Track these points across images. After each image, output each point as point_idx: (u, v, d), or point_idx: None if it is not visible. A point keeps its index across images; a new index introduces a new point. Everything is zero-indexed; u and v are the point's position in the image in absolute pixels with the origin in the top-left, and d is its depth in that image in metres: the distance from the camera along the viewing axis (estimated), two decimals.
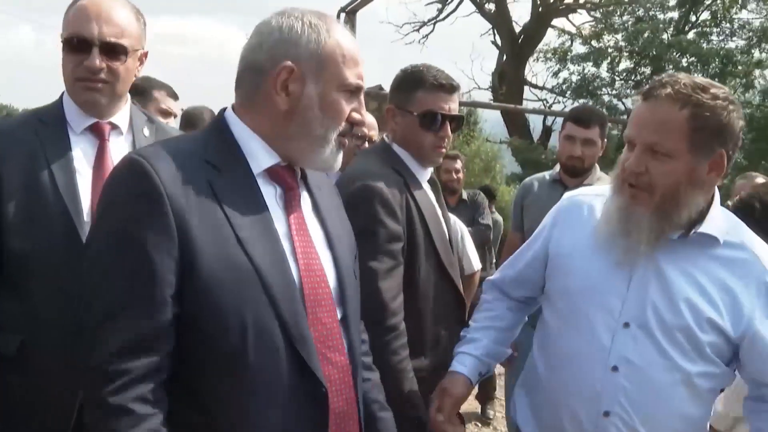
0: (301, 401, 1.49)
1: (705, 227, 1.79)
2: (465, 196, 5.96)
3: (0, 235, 1.94)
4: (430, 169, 2.48)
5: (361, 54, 1.62)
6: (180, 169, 1.43)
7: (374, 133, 3.87)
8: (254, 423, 1.44)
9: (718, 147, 1.72)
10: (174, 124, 3.45)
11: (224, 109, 1.62)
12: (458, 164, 5.90)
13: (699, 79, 1.76)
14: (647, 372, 1.77)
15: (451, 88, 2.35)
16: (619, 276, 1.82)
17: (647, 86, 1.77)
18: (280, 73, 1.52)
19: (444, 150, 2.41)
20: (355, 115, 1.61)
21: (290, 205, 1.59)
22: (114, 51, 2.02)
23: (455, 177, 5.79)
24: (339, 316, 1.62)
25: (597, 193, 1.99)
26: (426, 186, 2.44)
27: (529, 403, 2.03)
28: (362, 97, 1.63)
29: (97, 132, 2.10)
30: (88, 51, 1.99)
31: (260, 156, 1.56)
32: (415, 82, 2.34)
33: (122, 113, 2.15)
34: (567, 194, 2.10)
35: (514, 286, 2.18)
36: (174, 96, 3.48)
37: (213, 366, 1.42)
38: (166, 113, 3.37)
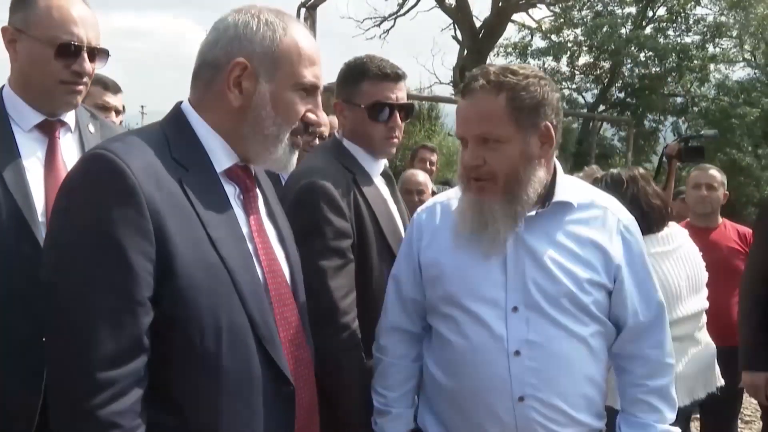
0: (271, 400, 1.49)
1: (558, 196, 1.88)
2: (435, 189, 6.01)
3: None
4: (383, 162, 2.44)
5: (320, 53, 1.60)
6: (152, 167, 1.39)
7: (325, 130, 3.83)
8: (226, 423, 1.43)
9: (541, 121, 1.82)
10: (115, 119, 3.27)
11: (180, 103, 1.59)
12: (434, 157, 6.02)
13: (509, 64, 1.88)
14: (548, 347, 1.82)
15: (396, 76, 2.30)
16: (493, 266, 1.86)
17: (463, 84, 1.85)
18: (233, 69, 1.51)
19: (396, 140, 2.35)
20: (311, 116, 1.59)
21: (249, 205, 1.59)
22: (98, 54, 2.06)
23: (429, 168, 5.82)
24: (299, 314, 1.63)
25: (449, 197, 2.03)
26: (379, 180, 2.41)
27: (436, 413, 1.98)
28: (319, 97, 1.61)
29: (46, 129, 2.04)
30: (77, 55, 1.99)
31: (220, 155, 1.54)
32: (360, 74, 2.29)
33: (71, 111, 2.11)
34: (420, 208, 2.10)
35: (412, 319, 2.05)
36: (114, 89, 3.30)
37: (187, 368, 1.40)
38: (104, 108, 3.19)
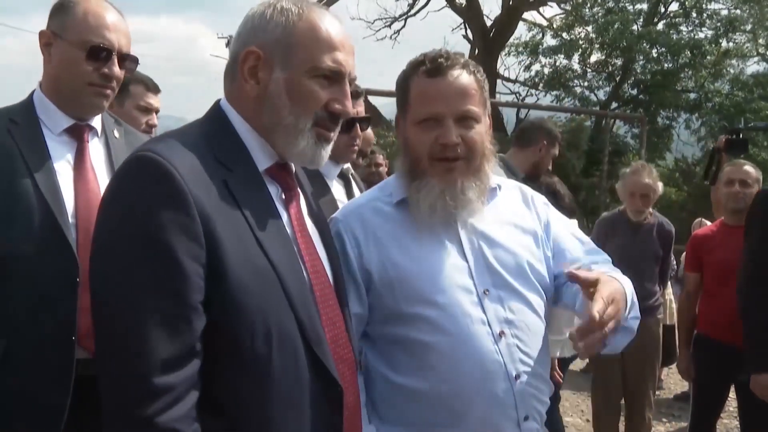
0: (319, 402, 1.46)
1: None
2: None
3: None
4: (342, 166, 2.84)
5: (347, 38, 1.53)
6: (197, 168, 1.36)
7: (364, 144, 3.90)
8: (276, 427, 1.40)
9: (487, 101, 1.92)
10: (156, 121, 3.29)
11: (219, 101, 1.57)
12: (379, 158, 6.38)
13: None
14: (524, 322, 1.86)
15: (356, 94, 2.67)
16: (452, 254, 1.86)
17: (428, 65, 1.85)
18: (246, 58, 1.49)
19: (355, 148, 2.78)
20: (336, 106, 1.52)
21: (291, 205, 1.56)
22: (126, 60, 2.13)
23: (375, 170, 6.19)
24: (343, 316, 1.61)
25: (368, 198, 1.99)
26: (336, 182, 2.82)
27: (410, 426, 1.86)
28: (346, 86, 1.54)
29: (75, 133, 2.09)
30: (107, 59, 2.06)
31: (260, 154, 1.52)
32: None
33: (98, 116, 2.16)
34: (336, 217, 1.96)
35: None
36: (155, 89, 3.30)
37: (237, 372, 1.37)
38: (146, 110, 3.21)
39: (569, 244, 2.02)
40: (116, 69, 2.08)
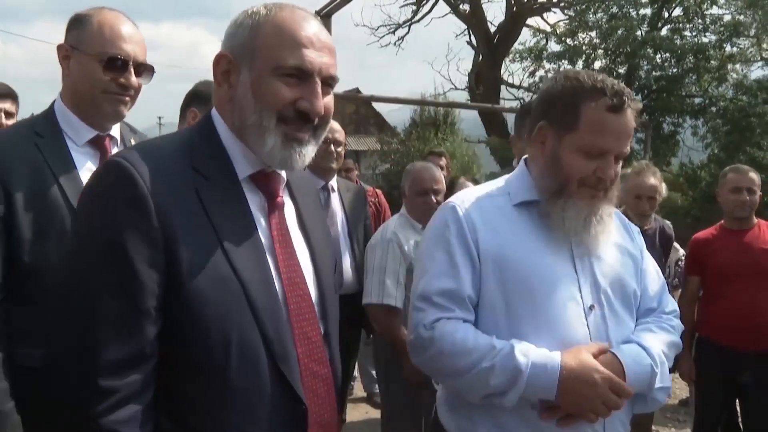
0: (282, 418, 1.44)
1: None
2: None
3: (12, 249, 1.94)
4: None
5: (318, 37, 1.48)
6: (166, 175, 1.37)
7: (339, 136, 3.84)
8: None
9: None
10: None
11: (212, 109, 1.57)
12: (443, 161, 6.14)
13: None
14: (620, 344, 1.88)
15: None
16: (564, 265, 1.88)
17: (613, 100, 1.82)
18: (218, 63, 1.50)
19: None
20: (303, 104, 1.46)
21: (273, 215, 1.53)
22: (143, 70, 2.22)
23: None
24: (321, 332, 1.57)
25: (481, 195, 1.97)
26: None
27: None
28: (315, 85, 1.48)
29: (97, 144, 2.17)
30: (124, 69, 2.15)
31: (242, 161, 1.50)
32: None
33: (116, 126, 2.25)
34: (455, 201, 1.95)
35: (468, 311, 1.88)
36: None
37: (194, 380, 1.37)
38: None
39: (649, 280, 2.06)
40: (133, 78, 2.16)
